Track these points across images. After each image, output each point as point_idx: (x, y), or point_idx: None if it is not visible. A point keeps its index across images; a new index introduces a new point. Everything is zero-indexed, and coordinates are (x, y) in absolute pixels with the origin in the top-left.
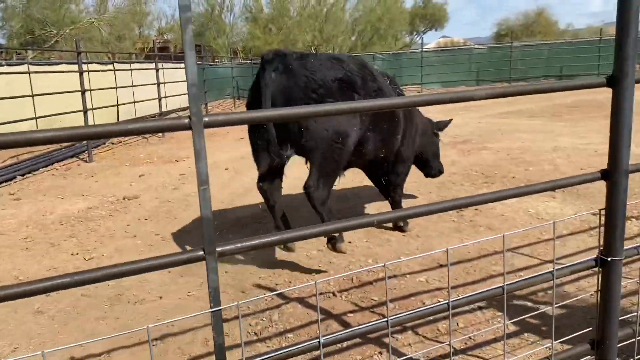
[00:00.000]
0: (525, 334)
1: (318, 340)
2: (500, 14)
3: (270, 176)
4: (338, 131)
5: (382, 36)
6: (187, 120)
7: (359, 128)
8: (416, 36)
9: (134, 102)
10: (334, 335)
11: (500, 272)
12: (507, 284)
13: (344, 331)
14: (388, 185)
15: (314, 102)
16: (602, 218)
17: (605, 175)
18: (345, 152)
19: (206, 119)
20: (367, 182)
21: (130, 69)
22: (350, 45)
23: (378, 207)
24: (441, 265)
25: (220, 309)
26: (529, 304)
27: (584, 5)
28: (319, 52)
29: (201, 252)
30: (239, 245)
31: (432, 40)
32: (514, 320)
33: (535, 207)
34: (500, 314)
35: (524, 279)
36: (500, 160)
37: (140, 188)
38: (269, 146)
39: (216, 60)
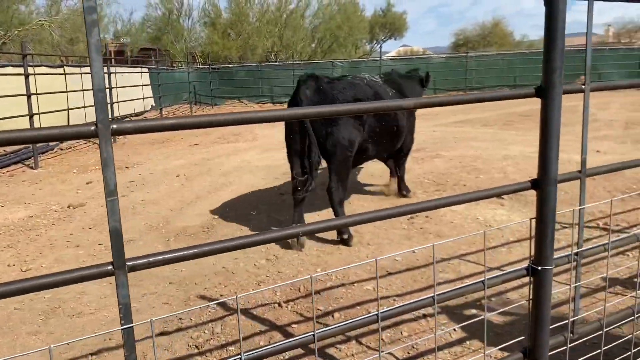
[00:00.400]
0: (468, 342)
1: (240, 356)
2: (458, 24)
3: (303, 175)
4: (350, 140)
5: (342, 44)
6: (93, 128)
7: (362, 137)
8: (376, 44)
9: (84, 107)
10: (258, 350)
11: (448, 279)
12: (437, 294)
13: (268, 346)
14: (398, 165)
15: (337, 117)
16: (535, 227)
17: (535, 184)
18: (352, 159)
19: (114, 126)
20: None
21: (80, 73)
22: (309, 52)
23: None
24: (389, 273)
25: (132, 326)
26: (474, 310)
27: (538, 17)
28: (279, 58)
29: (110, 267)
30: (151, 259)
31: (392, 48)
32: (457, 326)
33: (484, 215)
34: (445, 322)
35: (454, 289)
36: (453, 168)
37: (87, 196)
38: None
39: (174, 65)
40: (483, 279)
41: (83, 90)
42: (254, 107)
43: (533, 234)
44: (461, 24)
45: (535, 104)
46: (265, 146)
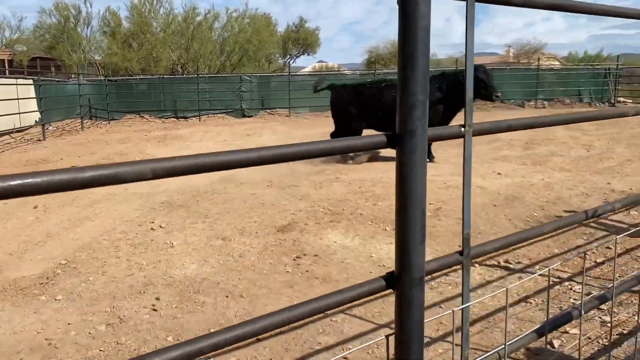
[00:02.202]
0: None
1: None
2: (371, 42)
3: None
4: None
5: (252, 58)
6: None
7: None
8: (290, 59)
9: None
10: None
11: (327, 344)
12: None
13: None
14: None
15: (358, 106)
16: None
17: (391, 282)
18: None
19: None
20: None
21: None
22: (218, 65)
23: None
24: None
25: None
26: None
27: (446, 37)
28: (186, 71)
29: None
30: None
31: (309, 64)
32: None
33: (378, 251)
34: None
35: None
36: (351, 193)
37: None
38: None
39: (73, 77)
40: None
41: None
42: (156, 122)
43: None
44: (374, 42)
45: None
46: None
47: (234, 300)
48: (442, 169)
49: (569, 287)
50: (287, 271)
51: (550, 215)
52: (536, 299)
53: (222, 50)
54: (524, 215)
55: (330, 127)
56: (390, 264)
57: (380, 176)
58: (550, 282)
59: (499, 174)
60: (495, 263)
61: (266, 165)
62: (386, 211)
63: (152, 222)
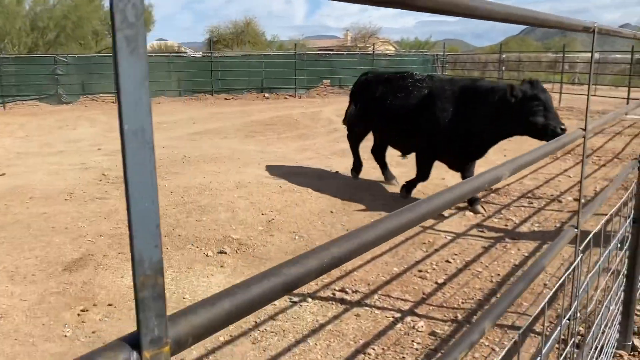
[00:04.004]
0: None
1: None
2: (212, 21)
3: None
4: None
5: (72, 36)
6: None
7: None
8: None
9: None
10: None
11: None
12: None
13: None
14: None
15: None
16: None
17: None
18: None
19: None
20: None
21: None
22: (29, 44)
23: None
24: None
25: None
26: None
27: (288, 19)
28: None
29: None
30: None
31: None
32: None
33: (194, 290)
34: None
35: None
36: (171, 205)
37: None
38: None
39: None
40: None
41: None
42: None
43: None
44: (215, 22)
45: (279, 110)
46: None
47: None
48: (278, 168)
49: (412, 324)
50: (66, 335)
51: None
52: (376, 348)
53: (33, 27)
54: (362, 223)
55: (162, 116)
56: None
57: (209, 180)
58: (390, 318)
59: (336, 172)
60: (331, 294)
61: (71, 168)
62: (211, 228)
63: None
